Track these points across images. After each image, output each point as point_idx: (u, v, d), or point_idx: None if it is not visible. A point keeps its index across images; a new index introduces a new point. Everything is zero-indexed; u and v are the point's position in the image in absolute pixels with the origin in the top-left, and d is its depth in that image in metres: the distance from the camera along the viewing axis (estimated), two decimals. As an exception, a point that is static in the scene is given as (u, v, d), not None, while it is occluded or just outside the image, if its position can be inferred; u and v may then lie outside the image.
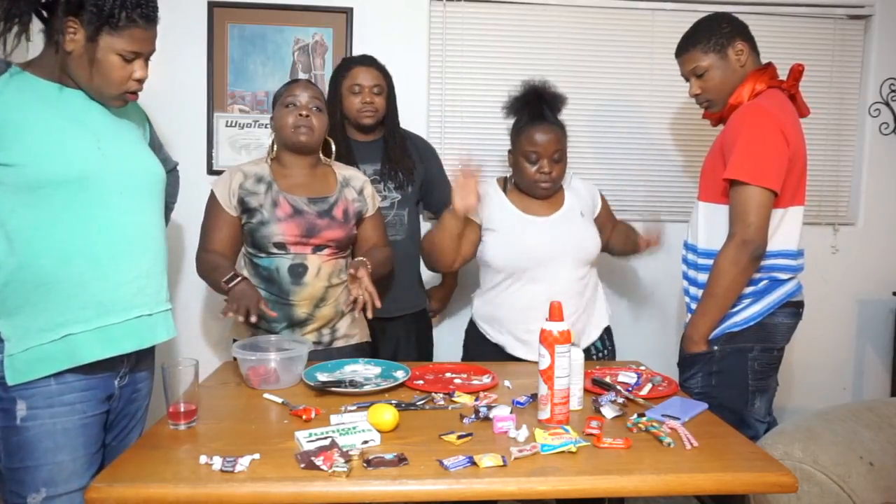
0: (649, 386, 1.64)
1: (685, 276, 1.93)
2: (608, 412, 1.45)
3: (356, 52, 2.56)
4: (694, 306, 1.85)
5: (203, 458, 1.20)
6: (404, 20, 2.60)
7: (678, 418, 1.41)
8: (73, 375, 1.36)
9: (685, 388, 1.83)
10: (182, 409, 1.36)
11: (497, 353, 1.99)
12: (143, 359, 1.54)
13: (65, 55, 1.32)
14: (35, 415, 1.32)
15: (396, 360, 1.85)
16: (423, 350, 2.36)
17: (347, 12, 2.57)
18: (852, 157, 2.84)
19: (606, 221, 2.12)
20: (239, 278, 1.69)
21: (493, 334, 2.01)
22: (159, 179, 1.52)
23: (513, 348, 1.97)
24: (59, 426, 1.34)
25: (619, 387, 1.60)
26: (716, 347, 1.78)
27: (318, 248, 1.83)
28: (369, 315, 1.75)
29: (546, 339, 1.39)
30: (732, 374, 1.77)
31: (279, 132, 1.85)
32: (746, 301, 1.77)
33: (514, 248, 1.93)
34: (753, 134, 1.68)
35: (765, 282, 1.76)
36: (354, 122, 2.17)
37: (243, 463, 1.18)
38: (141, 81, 1.41)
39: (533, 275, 1.92)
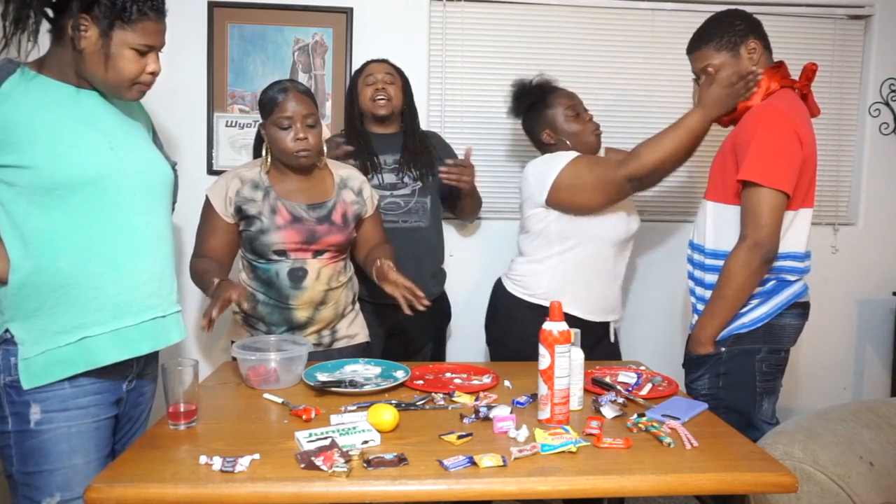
0: (649, 386, 1.64)
1: (691, 277, 1.91)
2: (608, 412, 1.45)
3: (356, 52, 2.57)
4: (700, 307, 1.83)
5: (203, 459, 1.20)
6: (404, 20, 2.61)
7: (678, 418, 1.41)
8: (86, 378, 1.35)
9: (692, 389, 1.82)
10: (182, 409, 1.36)
11: (534, 315, 1.98)
12: (149, 363, 1.54)
13: (77, 53, 1.32)
14: (50, 418, 1.31)
15: (417, 346, 1.88)
16: (440, 335, 2.42)
17: (347, 12, 2.57)
18: (852, 157, 2.84)
19: None
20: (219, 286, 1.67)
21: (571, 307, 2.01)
22: (169, 180, 1.52)
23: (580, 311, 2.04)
24: (73, 429, 1.33)
25: (619, 387, 1.60)
26: (723, 349, 1.76)
27: (318, 253, 1.83)
28: (419, 307, 1.75)
29: (546, 339, 1.39)
30: (740, 376, 1.75)
31: (276, 150, 1.80)
32: (754, 302, 1.75)
33: (623, 218, 2.07)
34: (768, 135, 1.67)
35: (773, 282, 1.75)
36: (370, 112, 2.23)
37: (243, 463, 1.18)
38: (154, 75, 1.41)
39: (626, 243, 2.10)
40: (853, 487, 1.46)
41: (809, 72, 1.80)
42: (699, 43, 1.86)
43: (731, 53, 1.80)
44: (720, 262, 1.76)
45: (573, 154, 2.03)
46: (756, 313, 1.75)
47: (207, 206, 1.84)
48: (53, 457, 1.32)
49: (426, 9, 2.61)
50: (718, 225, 1.80)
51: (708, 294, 1.80)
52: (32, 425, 1.31)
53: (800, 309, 1.79)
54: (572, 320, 1.99)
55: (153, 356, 1.55)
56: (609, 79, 2.72)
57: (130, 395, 1.49)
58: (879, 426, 1.63)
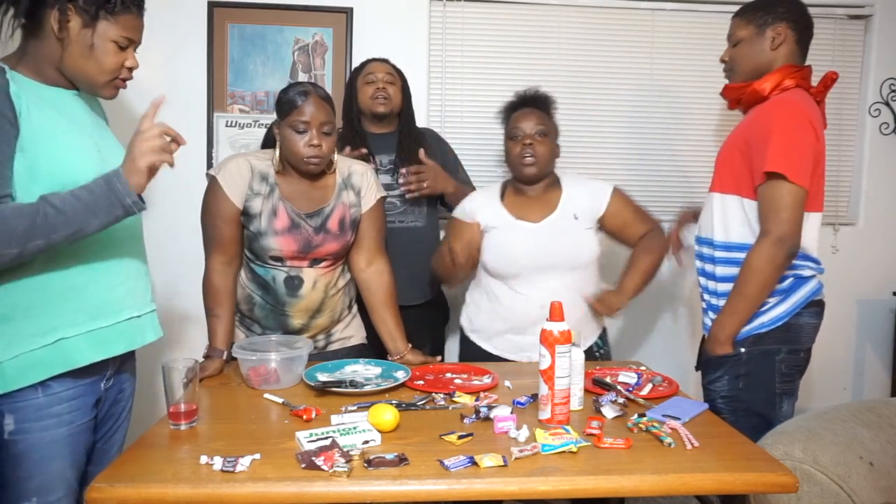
0: (650, 386, 1.64)
1: (702, 272, 1.88)
2: (609, 412, 1.45)
3: (356, 52, 2.57)
4: (714, 302, 1.81)
5: (203, 459, 1.20)
6: (404, 20, 2.61)
7: (679, 418, 1.41)
8: (60, 385, 1.32)
9: (710, 391, 1.81)
10: (182, 409, 1.36)
11: (487, 357, 2.01)
12: (126, 360, 1.52)
13: (59, 45, 1.30)
14: (24, 428, 1.29)
15: (416, 346, 1.91)
16: (439, 335, 2.43)
17: (347, 12, 2.57)
18: (852, 157, 2.84)
19: (619, 222, 2.01)
20: (207, 357, 1.76)
21: (480, 340, 2.04)
22: None
23: (500, 351, 2.00)
24: (47, 438, 1.31)
25: (619, 387, 1.60)
26: (742, 350, 1.74)
27: (315, 262, 1.80)
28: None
29: (546, 340, 1.39)
30: (759, 377, 1.73)
31: (287, 152, 1.75)
32: (773, 300, 1.73)
33: (503, 254, 1.95)
34: (787, 128, 1.65)
35: (790, 280, 1.73)
36: (369, 110, 2.21)
37: (244, 463, 1.18)
38: (131, 70, 1.40)
39: (523, 280, 1.93)
40: (853, 487, 1.46)
41: (829, 80, 1.79)
42: (739, 12, 1.84)
43: (756, 30, 1.78)
44: (731, 255, 1.74)
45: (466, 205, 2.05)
46: (775, 312, 1.73)
47: (217, 191, 1.76)
48: (29, 465, 1.30)
49: (426, 9, 2.61)
50: (726, 216, 1.78)
51: (720, 287, 1.78)
52: (6, 436, 1.29)
53: (816, 307, 1.78)
54: (485, 354, 2.01)
55: (129, 353, 1.52)
56: (609, 79, 2.72)
57: (109, 392, 1.47)
58: (879, 426, 1.63)
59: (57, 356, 1.31)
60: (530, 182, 1.99)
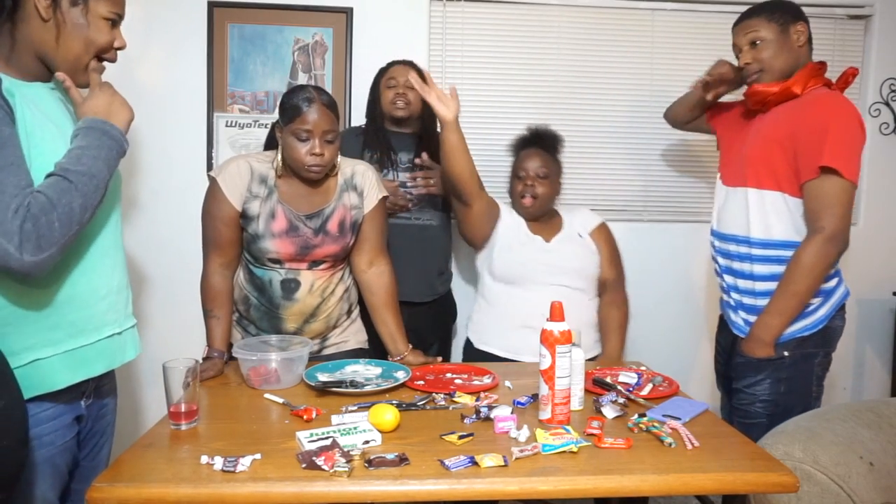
0: (650, 386, 1.64)
1: (729, 271, 1.84)
2: (609, 412, 1.45)
3: (356, 52, 2.57)
4: (750, 301, 1.78)
5: (204, 458, 1.20)
6: (404, 20, 2.61)
7: (679, 418, 1.41)
8: (36, 406, 1.22)
9: (748, 393, 1.79)
10: (183, 409, 1.36)
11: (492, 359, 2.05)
12: (106, 374, 1.41)
13: (41, 28, 1.22)
14: None
15: (424, 344, 1.94)
16: (446, 334, 2.45)
17: (347, 12, 2.57)
18: (852, 157, 2.84)
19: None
20: (207, 358, 1.76)
21: (486, 346, 2.09)
22: (120, 183, 1.41)
23: (506, 352, 2.04)
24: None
25: (619, 387, 1.60)
26: (786, 353, 1.72)
27: (314, 264, 1.80)
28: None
29: (547, 340, 1.39)
30: (799, 381, 1.73)
31: (289, 158, 1.73)
32: (815, 302, 1.71)
33: (514, 257, 2.04)
34: (846, 124, 1.64)
35: (835, 280, 1.73)
36: (388, 114, 2.25)
37: (244, 463, 1.18)
38: (118, 51, 1.33)
39: (529, 287, 2.01)
40: (853, 487, 1.46)
41: (849, 76, 1.79)
42: (751, 14, 1.80)
43: (780, 28, 1.76)
44: (772, 252, 1.72)
45: None
46: (817, 315, 1.72)
47: (216, 192, 1.76)
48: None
49: (426, 9, 2.61)
50: (765, 213, 1.74)
51: (758, 286, 1.76)
52: None
53: (844, 311, 1.78)
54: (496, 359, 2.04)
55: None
56: (609, 79, 2.72)
57: (91, 409, 1.38)
58: (879, 426, 1.63)
59: (32, 378, 1.20)
60: (529, 218, 2.13)
